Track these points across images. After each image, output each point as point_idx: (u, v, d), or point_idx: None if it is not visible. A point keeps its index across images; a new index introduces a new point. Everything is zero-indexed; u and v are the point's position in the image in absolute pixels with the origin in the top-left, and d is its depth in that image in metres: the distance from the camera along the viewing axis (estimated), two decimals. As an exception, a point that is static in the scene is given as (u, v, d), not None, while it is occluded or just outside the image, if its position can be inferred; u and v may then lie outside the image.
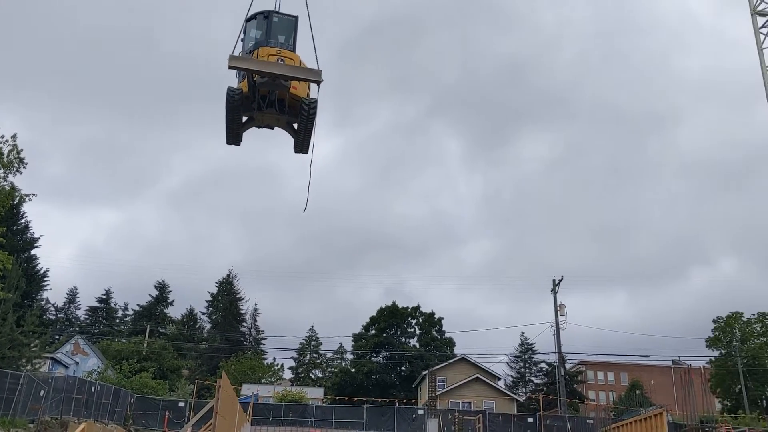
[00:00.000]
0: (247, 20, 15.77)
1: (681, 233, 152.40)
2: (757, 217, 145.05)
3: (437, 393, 58.67)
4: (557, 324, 52.90)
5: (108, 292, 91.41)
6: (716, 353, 71.14)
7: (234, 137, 15.70)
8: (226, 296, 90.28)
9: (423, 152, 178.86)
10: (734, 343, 67.57)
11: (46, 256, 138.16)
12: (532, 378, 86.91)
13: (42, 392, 29.93)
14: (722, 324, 71.21)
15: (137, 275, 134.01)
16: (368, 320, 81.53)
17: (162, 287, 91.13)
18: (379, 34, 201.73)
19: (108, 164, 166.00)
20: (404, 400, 60.80)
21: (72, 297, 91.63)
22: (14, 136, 41.61)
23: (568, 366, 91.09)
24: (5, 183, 41.53)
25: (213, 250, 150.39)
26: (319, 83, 14.42)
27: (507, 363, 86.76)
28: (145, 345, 73.98)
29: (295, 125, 15.74)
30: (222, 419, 27.21)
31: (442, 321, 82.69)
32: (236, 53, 14.78)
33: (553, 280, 54.45)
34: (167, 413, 44.48)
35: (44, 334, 52.05)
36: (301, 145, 15.82)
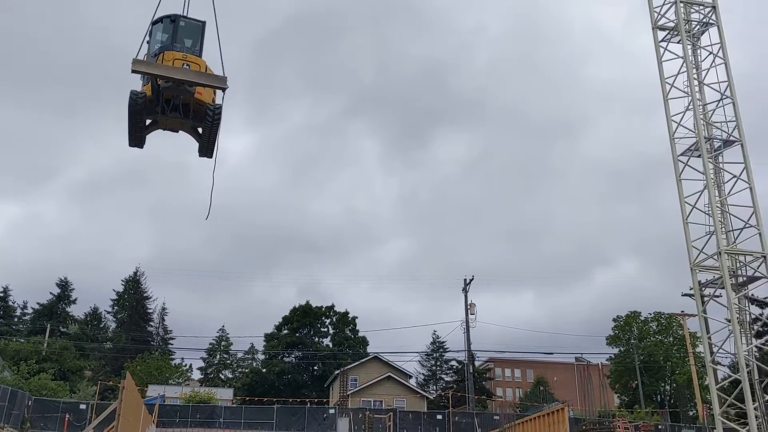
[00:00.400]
0: (153, 23, 15.60)
1: (585, 234, 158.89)
2: (654, 221, 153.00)
3: (349, 392, 58.85)
4: (467, 322, 54.18)
5: (6, 290, 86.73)
6: (616, 351, 74.66)
7: (136, 140, 15.51)
8: (132, 294, 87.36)
9: (340, 152, 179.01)
10: (632, 341, 71.06)
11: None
12: (443, 375, 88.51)
13: (-72, 396, 28.12)
14: (621, 323, 74.78)
15: (38, 272, 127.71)
16: (281, 320, 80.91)
17: (64, 285, 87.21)
18: (296, 31, 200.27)
19: (7, 154, 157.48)
20: (316, 400, 60.69)
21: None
22: None
23: (477, 363, 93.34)
24: None
25: (120, 247, 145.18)
26: (224, 90, 14.44)
27: (419, 361, 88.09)
28: (45, 345, 70.73)
29: (200, 130, 15.64)
30: (125, 421, 26.39)
31: (356, 320, 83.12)
32: (141, 56, 14.60)
33: (465, 280, 55.76)
34: (67, 416, 42.81)
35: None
36: (206, 149, 15.74)
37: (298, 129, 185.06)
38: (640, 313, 74.80)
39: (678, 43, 33.86)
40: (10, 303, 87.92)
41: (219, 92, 14.93)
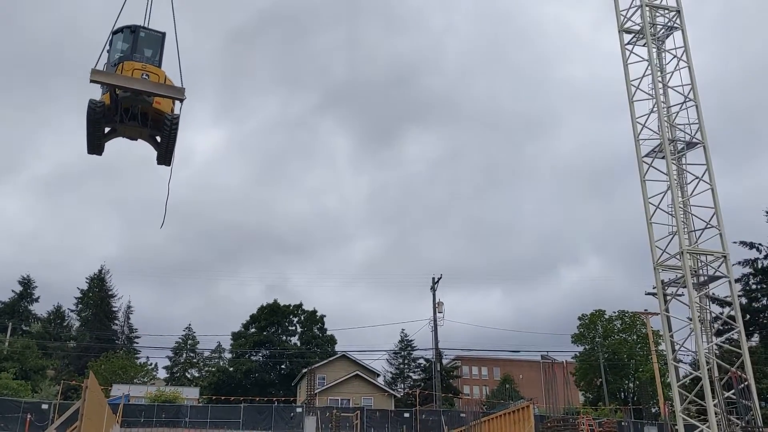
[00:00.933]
0: (114, 32, 15.73)
1: (552, 234, 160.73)
2: (620, 220, 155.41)
3: (316, 391, 58.69)
4: (435, 321, 54.41)
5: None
6: (581, 348, 75.66)
7: (95, 147, 15.61)
8: (97, 293, 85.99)
9: (310, 149, 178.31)
10: (597, 339, 72.09)
11: None
12: (411, 374, 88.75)
13: None
14: (586, 321, 75.81)
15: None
16: (248, 318, 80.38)
17: (26, 282, 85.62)
18: (268, 26, 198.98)
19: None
20: (283, 399, 60.41)
21: None
22: None
23: (444, 362, 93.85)
24: None
25: (85, 244, 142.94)
26: (182, 100, 14.70)
27: (387, 359, 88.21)
28: (7, 344, 69.31)
29: (158, 138, 15.83)
30: (89, 421, 25.98)
31: (324, 319, 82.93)
32: (101, 64, 14.83)
33: (433, 278, 56.01)
34: (29, 416, 42.01)
35: None
36: (164, 158, 15.95)
37: (268, 125, 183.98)
38: (605, 311, 75.95)
39: (644, 46, 34.41)
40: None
41: (178, 102, 15.09)
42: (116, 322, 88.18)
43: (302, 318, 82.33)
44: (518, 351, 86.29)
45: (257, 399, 55.19)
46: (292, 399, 62.70)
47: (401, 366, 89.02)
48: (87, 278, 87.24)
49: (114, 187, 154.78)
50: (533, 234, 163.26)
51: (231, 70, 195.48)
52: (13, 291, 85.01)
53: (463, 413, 49.12)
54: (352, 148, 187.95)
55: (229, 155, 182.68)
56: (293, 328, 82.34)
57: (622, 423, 47.66)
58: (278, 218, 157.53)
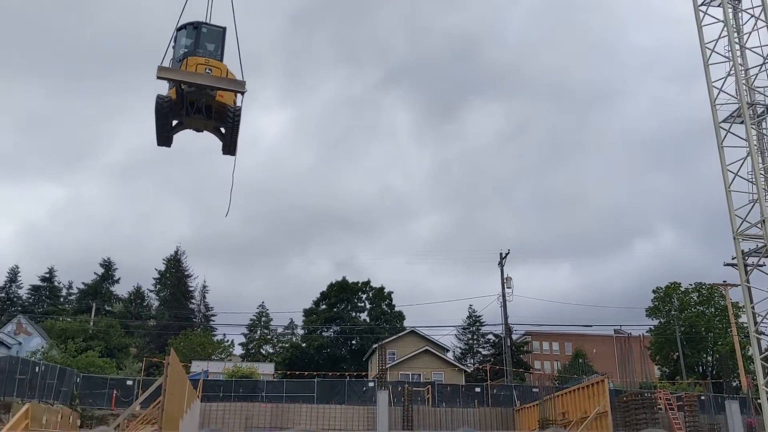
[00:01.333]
0: (178, 29, 16.52)
1: (623, 206, 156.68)
2: (696, 189, 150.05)
3: (387, 366, 59.37)
4: (504, 296, 54.11)
5: (51, 271, 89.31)
6: (655, 322, 73.84)
7: (164, 140, 16.52)
8: (174, 273, 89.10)
9: (373, 127, 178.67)
10: (672, 312, 70.18)
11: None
12: (480, 349, 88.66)
13: (-18, 374, 29.22)
14: (661, 294, 73.82)
15: (82, 252, 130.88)
16: (319, 295, 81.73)
17: (107, 265, 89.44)
18: (328, 4, 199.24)
19: (50, 137, 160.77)
20: (354, 374, 61.39)
21: (13, 275, 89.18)
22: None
23: (514, 337, 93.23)
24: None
25: (160, 227, 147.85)
26: (243, 93, 15.44)
27: (455, 335, 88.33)
28: (91, 323, 72.61)
29: (222, 130, 16.55)
30: (171, 396, 27.10)
31: (392, 295, 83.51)
32: (166, 60, 15.67)
33: (500, 254, 55.58)
34: (115, 392, 44.02)
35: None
36: (228, 148, 16.69)
37: (331, 104, 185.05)
38: (680, 284, 73.77)
39: (719, 6, 32.88)
40: (56, 284, 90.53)
41: (239, 95, 15.83)
42: (193, 301, 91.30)
43: (370, 295, 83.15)
44: (590, 325, 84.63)
45: (329, 374, 56.22)
46: (363, 374, 63.67)
47: (470, 342, 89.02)
48: (164, 259, 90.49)
49: (186, 171, 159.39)
50: (603, 206, 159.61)
51: (293, 51, 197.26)
52: (95, 273, 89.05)
53: (536, 388, 48.85)
54: (414, 124, 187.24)
55: (294, 136, 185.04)
56: (362, 304, 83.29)
57: (702, 397, 46.42)
58: (344, 196, 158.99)
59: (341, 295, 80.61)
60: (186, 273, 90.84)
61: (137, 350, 75.87)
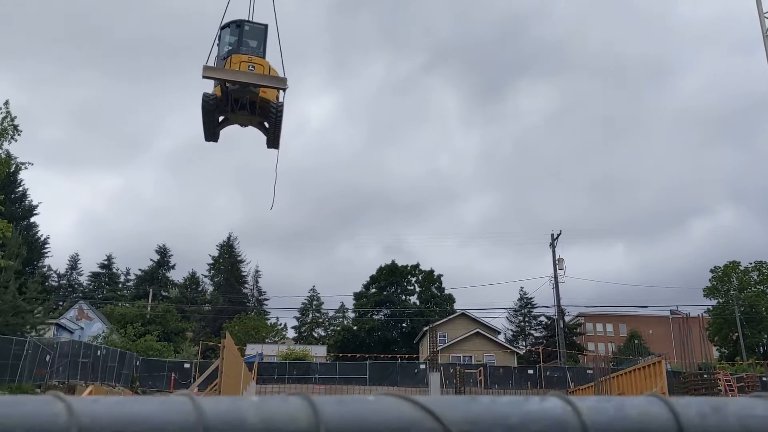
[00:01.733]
0: (222, 28, 17.22)
1: (680, 184, 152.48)
2: (754, 167, 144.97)
3: (438, 348, 59.38)
4: (556, 277, 53.39)
5: (110, 258, 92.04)
6: (714, 302, 71.96)
7: (211, 135, 17.32)
8: (227, 259, 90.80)
9: (420, 109, 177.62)
10: (732, 292, 68.23)
11: (46, 222, 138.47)
12: (532, 331, 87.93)
13: (48, 357, 30.31)
14: (720, 273, 71.82)
15: (138, 240, 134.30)
16: (368, 279, 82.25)
17: (163, 251, 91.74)
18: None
19: (105, 127, 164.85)
20: (406, 356, 61.63)
21: (74, 263, 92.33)
22: (6, 103, 41.43)
23: (567, 319, 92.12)
24: (0, 151, 41.47)
25: (212, 213, 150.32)
26: (284, 89, 16.23)
27: (507, 318, 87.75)
28: (149, 308, 74.62)
29: (266, 124, 17.28)
30: (227, 378, 27.65)
31: (442, 278, 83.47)
32: (212, 58, 16.38)
33: (552, 234, 54.83)
34: (173, 374, 45.13)
35: (47, 300, 52.43)
36: (272, 142, 17.40)
37: (376, 87, 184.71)
38: (740, 263, 71.59)
39: (779, -28, 31.46)
40: (114, 270, 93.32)
41: (281, 91, 16.50)
42: (246, 285, 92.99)
43: (420, 278, 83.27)
44: (645, 306, 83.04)
45: (381, 356, 56.57)
46: (414, 356, 63.87)
47: (522, 324, 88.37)
48: (217, 245, 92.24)
49: (235, 158, 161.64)
50: (657, 185, 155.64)
51: (337, 35, 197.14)
52: (151, 260, 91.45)
53: (590, 369, 48.21)
54: (462, 106, 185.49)
55: (341, 120, 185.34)
56: (412, 288, 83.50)
57: (763, 378, 45.12)
58: (392, 180, 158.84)
59: (391, 278, 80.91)
60: (239, 258, 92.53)
61: (193, 334, 77.69)
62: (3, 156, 41.94)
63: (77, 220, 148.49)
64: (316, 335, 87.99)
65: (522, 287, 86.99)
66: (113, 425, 0.74)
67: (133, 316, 68.88)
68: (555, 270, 53.65)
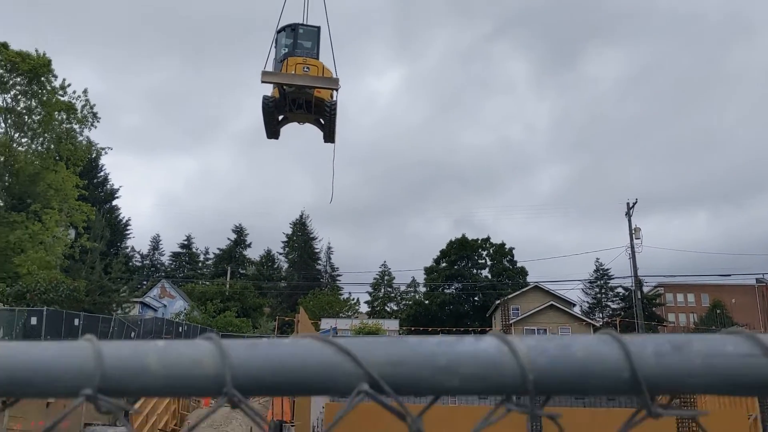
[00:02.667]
0: (278, 32, 18.42)
1: (763, 146, 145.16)
2: None
3: (511, 321, 59.07)
4: (632, 247, 52.00)
5: (189, 238, 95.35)
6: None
7: (272, 133, 18.90)
8: (300, 236, 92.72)
9: (488, 79, 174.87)
10: (823, 259, 64.93)
11: (127, 205, 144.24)
12: (609, 303, 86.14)
13: (132, 334, 31.84)
14: (809, 239, 68.36)
15: (215, 220, 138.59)
16: (438, 253, 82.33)
17: (239, 230, 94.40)
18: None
19: (181, 110, 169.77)
20: (479, 329, 61.62)
21: (156, 244, 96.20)
22: (85, 92, 43.46)
23: (645, 289, 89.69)
24: (81, 138, 43.54)
25: (285, 191, 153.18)
26: (337, 90, 17.42)
27: (582, 290, 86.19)
28: (228, 286, 77.15)
29: (322, 121, 18.57)
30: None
31: (513, 251, 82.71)
32: (270, 60, 17.86)
33: (627, 204, 53.28)
34: (252, 349, 46.64)
35: (131, 280, 54.86)
36: (328, 137, 18.75)
37: (443, 58, 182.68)
38: (832, 227, 67.89)
39: None
40: (194, 250, 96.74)
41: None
42: (319, 262, 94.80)
43: (491, 251, 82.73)
44: (729, 275, 79.98)
45: (453, 329, 56.72)
46: (487, 329, 63.76)
47: (598, 295, 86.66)
48: (290, 223, 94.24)
49: (307, 136, 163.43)
50: (741, 148, 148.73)
51: (401, 6, 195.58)
52: (228, 239, 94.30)
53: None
54: (531, 74, 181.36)
55: (408, 93, 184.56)
56: (483, 261, 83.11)
57: None
58: (462, 152, 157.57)
59: (461, 252, 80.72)
60: (311, 236, 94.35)
61: (270, 310, 79.91)
62: (84, 143, 44.00)
63: (158, 202, 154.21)
64: (388, 309, 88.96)
65: (598, 258, 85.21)
66: (4, 370, 0.71)
67: (213, 294, 71.39)
68: (632, 240, 52.22)
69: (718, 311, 78.78)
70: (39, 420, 22.53)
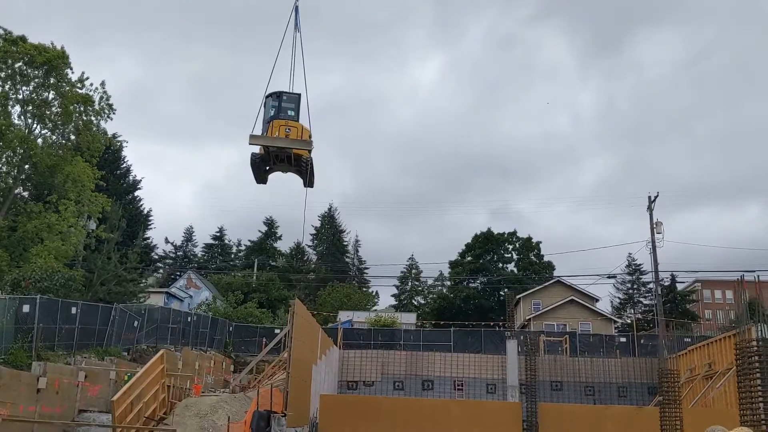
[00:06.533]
0: (266, 96, 22.20)
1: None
2: None
3: (530, 316, 58.37)
4: (653, 242, 50.71)
5: (221, 230, 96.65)
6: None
7: (261, 180, 22.66)
8: (328, 229, 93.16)
9: (529, 66, 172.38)
10: None
11: (163, 195, 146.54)
12: (641, 299, 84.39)
13: (135, 323, 32.41)
14: None
15: (250, 212, 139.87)
16: (464, 247, 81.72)
17: (270, 223, 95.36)
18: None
19: (218, 99, 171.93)
20: (492, 324, 61.04)
21: (189, 235, 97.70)
22: (103, 84, 44.34)
23: (682, 286, 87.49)
24: (98, 129, 44.47)
25: (320, 181, 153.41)
26: (309, 151, 21.49)
27: (614, 285, 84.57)
28: (254, 277, 78.09)
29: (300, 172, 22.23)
30: (300, 343, 28.52)
31: (540, 245, 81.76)
32: (258, 122, 21.82)
33: (649, 197, 51.96)
34: (264, 340, 47.08)
35: (156, 270, 55.72)
36: (308, 184, 22.31)
37: (485, 45, 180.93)
38: None
39: None
40: (226, 242, 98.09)
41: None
42: (347, 254, 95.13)
43: (517, 245, 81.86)
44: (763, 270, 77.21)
45: (474, 323, 56.27)
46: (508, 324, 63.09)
47: (629, 291, 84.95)
48: (319, 216, 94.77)
49: (340, 127, 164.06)
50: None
51: None
52: (259, 231, 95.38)
53: (688, 338, 45.91)
54: (576, 61, 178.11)
55: (449, 82, 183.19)
56: (509, 255, 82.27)
57: None
58: (502, 142, 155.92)
59: (487, 246, 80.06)
60: (340, 228, 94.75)
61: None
62: (101, 133, 44.92)
63: (197, 191, 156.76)
64: (415, 303, 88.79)
65: (630, 253, 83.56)
66: None
67: (239, 285, 72.34)
68: (653, 234, 50.82)
69: (755, 308, 76.46)
70: (29, 405, 23.11)
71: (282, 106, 22.05)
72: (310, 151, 21.61)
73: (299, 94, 22.40)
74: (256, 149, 21.88)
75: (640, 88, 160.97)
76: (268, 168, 22.34)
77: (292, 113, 22.10)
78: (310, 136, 22.15)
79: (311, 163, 21.86)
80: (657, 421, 22.68)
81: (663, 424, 21.71)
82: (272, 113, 22.04)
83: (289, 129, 21.41)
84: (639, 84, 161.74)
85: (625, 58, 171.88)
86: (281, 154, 21.32)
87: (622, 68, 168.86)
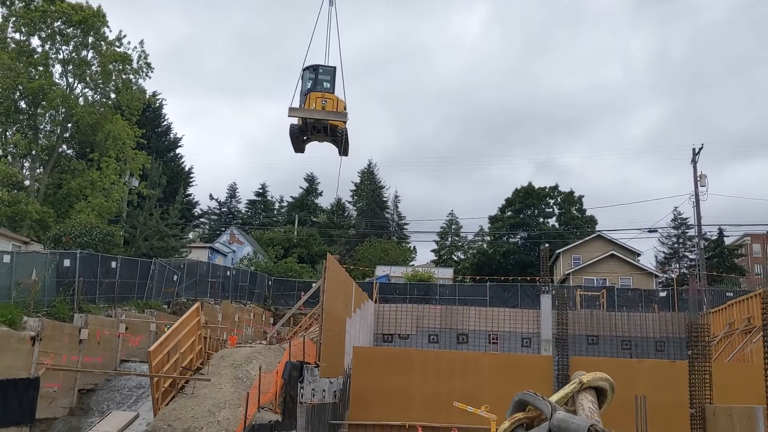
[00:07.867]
0: (303, 70, 23.75)
1: None
2: None
3: (570, 270, 57.88)
4: (697, 196, 49.48)
5: (264, 186, 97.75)
6: None
7: (299, 149, 24.37)
8: (368, 185, 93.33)
9: (578, 13, 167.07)
10: None
11: (207, 152, 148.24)
12: (687, 253, 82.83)
13: (175, 277, 33.31)
14: None
15: (292, 168, 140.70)
16: (504, 202, 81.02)
17: (311, 179, 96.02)
18: None
19: (263, 57, 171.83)
20: (528, 278, 60.79)
21: (233, 192, 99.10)
22: (141, 43, 44.86)
23: (731, 240, 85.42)
24: (136, 87, 45.13)
25: (362, 137, 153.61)
26: (345, 122, 23.06)
27: (659, 239, 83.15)
28: (295, 233, 79.10)
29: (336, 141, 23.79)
30: (333, 298, 29.06)
31: (582, 199, 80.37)
32: (296, 95, 23.48)
33: (693, 150, 50.51)
34: (302, 293, 47.95)
35: (198, 226, 56.76)
36: (342, 152, 23.98)
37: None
38: None
39: None
40: (269, 198, 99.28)
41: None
42: (387, 210, 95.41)
43: (559, 200, 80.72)
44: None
45: (510, 278, 56.15)
46: (550, 279, 62.65)
47: (675, 245, 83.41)
48: (358, 172, 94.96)
49: (385, 82, 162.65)
50: None
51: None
52: (300, 187, 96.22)
53: (730, 292, 45.05)
54: (627, 4, 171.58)
55: (492, 31, 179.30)
56: (550, 210, 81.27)
57: None
58: (546, 93, 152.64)
59: (527, 201, 79.17)
60: (379, 185, 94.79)
61: (339, 257, 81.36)
62: (138, 92, 45.58)
63: (241, 148, 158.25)
64: (455, 258, 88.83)
65: (676, 207, 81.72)
66: None
67: (280, 240, 73.46)
68: (696, 188, 49.51)
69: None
70: (72, 355, 24.18)
71: (318, 78, 23.43)
72: (345, 122, 23.06)
73: (334, 67, 23.77)
74: (295, 120, 23.31)
75: (694, 33, 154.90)
76: (305, 138, 23.82)
77: (328, 85, 23.46)
78: (345, 108, 23.56)
79: (346, 134, 23.33)
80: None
81: (691, 378, 21.55)
82: (309, 86, 23.48)
83: (325, 101, 22.89)
84: (694, 30, 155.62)
85: (680, 1, 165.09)
86: (318, 125, 22.84)
87: (677, 13, 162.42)
